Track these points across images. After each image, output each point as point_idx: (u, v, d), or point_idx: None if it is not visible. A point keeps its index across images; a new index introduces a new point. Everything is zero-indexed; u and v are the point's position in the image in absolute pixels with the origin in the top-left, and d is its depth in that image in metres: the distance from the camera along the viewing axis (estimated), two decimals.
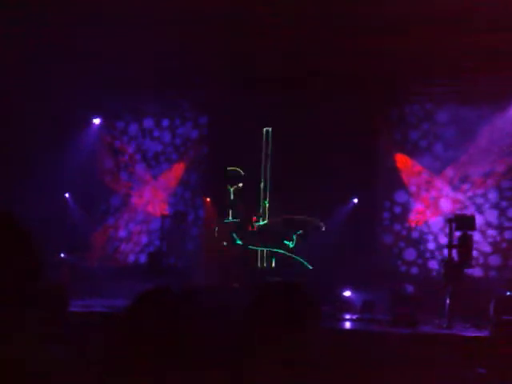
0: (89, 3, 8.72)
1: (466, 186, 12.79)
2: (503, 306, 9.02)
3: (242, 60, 10.75)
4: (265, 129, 13.24)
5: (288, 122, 12.48)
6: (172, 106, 14.36)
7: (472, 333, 9.11)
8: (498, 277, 12.17)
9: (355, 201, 12.92)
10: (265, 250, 12.95)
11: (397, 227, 13.22)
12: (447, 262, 10.25)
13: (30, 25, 9.56)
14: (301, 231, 12.53)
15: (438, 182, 13.00)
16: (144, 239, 14.72)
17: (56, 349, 1.87)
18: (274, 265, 12.94)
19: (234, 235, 12.66)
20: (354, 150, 12.09)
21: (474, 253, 11.15)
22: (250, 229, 12.82)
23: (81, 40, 9.91)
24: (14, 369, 1.56)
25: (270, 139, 13.27)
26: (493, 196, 12.64)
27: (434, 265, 12.73)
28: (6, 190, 12.18)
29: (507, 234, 12.51)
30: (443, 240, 12.01)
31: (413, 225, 13.08)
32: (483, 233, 12.44)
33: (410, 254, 13.04)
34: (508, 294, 9.53)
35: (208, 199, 13.82)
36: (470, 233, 10.29)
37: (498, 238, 12.53)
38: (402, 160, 13.22)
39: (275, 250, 12.73)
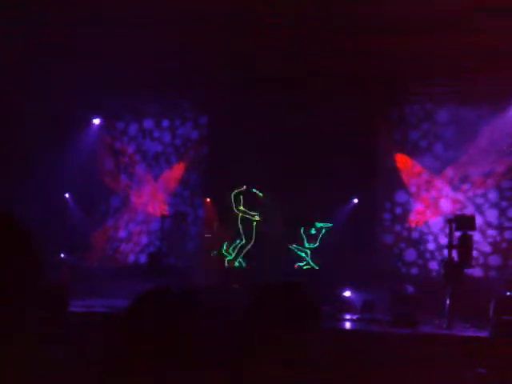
0: (89, 3, 8.72)
1: (465, 186, 12.79)
2: (503, 306, 9.01)
3: (242, 60, 10.75)
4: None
5: (288, 122, 12.49)
6: (172, 106, 14.36)
7: (472, 333, 9.11)
8: (498, 277, 12.17)
9: (355, 201, 12.92)
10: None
11: (397, 227, 13.22)
12: (447, 262, 10.25)
13: (30, 25, 9.56)
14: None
15: (438, 182, 13.00)
16: (144, 239, 14.72)
17: (56, 349, 1.87)
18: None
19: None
20: (353, 150, 12.10)
21: (474, 253, 11.15)
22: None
23: (81, 40, 9.91)
24: (14, 369, 1.56)
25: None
26: (493, 196, 12.64)
27: (434, 265, 12.73)
28: (6, 189, 12.18)
29: (507, 234, 12.51)
30: (443, 240, 12.01)
31: (413, 225, 13.08)
32: (483, 233, 12.44)
33: (411, 254, 13.04)
34: (508, 294, 9.53)
35: (208, 199, 13.83)
36: (469, 233, 10.29)
37: (498, 238, 12.54)
38: (401, 160, 13.22)
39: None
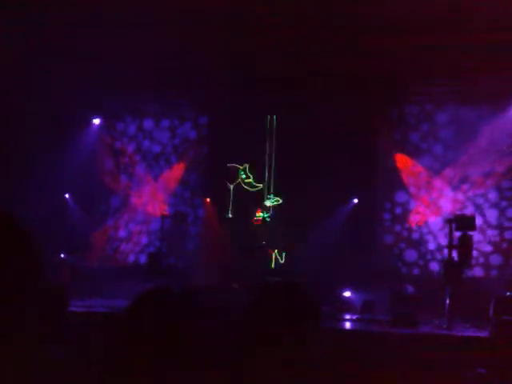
0: (89, 3, 8.72)
1: (465, 186, 12.79)
2: (503, 307, 9.01)
3: (242, 60, 10.75)
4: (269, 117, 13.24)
5: (288, 123, 12.48)
6: (172, 106, 14.36)
7: (472, 333, 9.11)
8: (498, 276, 12.17)
9: (355, 201, 12.92)
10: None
11: (397, 228, 13.22)
12: (447, 262, 10.25)
13: (30, 25, 9.56)
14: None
15: (438, 183, 13.00)
16: (144, 239, 14.72)
17: (56, 349, 1.87)
18: (273, 265, 12.96)
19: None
20: (354, 150, 12.10)
21: (475, 253, 11.16)
22: (253, 222, 12.90)
23: (81, 40, 9.91)
24: (14, 369, 1.56)
25: (274, 129, 13.27)
26: (493, 196, 12.65)
27: (434, 266, 12.73)
28: (6, 189, 12.18)
29: (507, 234, 12.51)
30: (443, 240, 12.00)
31: (413, 225, 13.08)
32: (483, 233, 12.45)
33: (411, 255, 13.04)
34: (508, 294, 9.52)
35: (208, 199, 13.83)
36: (470, 233, 10.29)
37: (498, 238, 12.54)
38: (401, 160, 13.23)
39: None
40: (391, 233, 13.22)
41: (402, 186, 13.21)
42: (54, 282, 3.23)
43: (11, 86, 12.01)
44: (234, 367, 1.89)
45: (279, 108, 12.49)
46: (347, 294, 11.78)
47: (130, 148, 15.07)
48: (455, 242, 10.23)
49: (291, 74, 11.16)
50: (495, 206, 12.63)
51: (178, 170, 14.63)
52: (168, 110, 14.57)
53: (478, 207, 12.64)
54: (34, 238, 1.63)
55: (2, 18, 9.33)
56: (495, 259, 12.49)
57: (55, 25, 9.56)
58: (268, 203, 13.11)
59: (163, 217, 13.66)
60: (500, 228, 12.57)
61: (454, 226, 10.36)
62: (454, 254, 10.16)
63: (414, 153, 13.20)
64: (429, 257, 12.90)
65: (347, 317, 11.04)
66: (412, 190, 13.20)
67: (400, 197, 13.25)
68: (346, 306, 11.57)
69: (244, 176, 13.19)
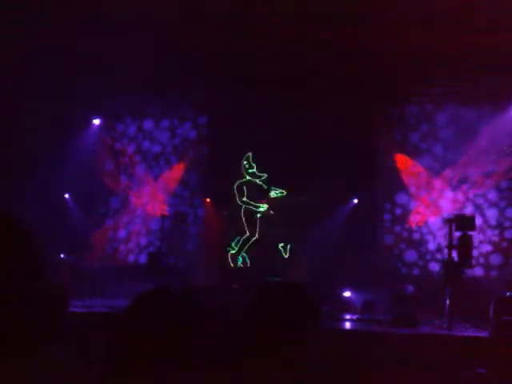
0: (89, 3, 8.73)
1: (465, 187, 12.79)
2: (503, 307, 9.01)
3: (242, 60, 10.75)
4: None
5: (288, 122, 12.49)
6: (172, 106, 14.36)
7: (472, 333, 9.11)
8: (498, 276, 12.17)
9: (355, 201, 12.92)
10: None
11: (397, 228, 13.22)
12: (447, 263, 10.25)
13: (30, 25, 9.56)
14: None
15: (438, 183, 13.00)
16: (144, 239, 14.72)
17: (56, 349, 1.87)
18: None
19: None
20: (354, 150, 12.10)
21: (475, 253, 11.15)
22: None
23: (81, 40, 9.91)
24: (14, 369, 1.56)
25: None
26: (492, 196, 12.65)
27: (434, 266, 12.73)
28: (6, 189, 12.18)
29: (507, 234, 12.51)
30: (443, 241, 12.00)
31: (413, 226, 13.08)
32: (483, 232, 12.45)
33: (411, 255, 13.04)
34: (508, 294, 9.53)
35: (208, 199, 13.83)
36: (469, 233, 10.29)
37: (498, 238, 12.54)
38: (401, 160, 13.22)
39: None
40: (391, 233, 13.22)
41: (402, 186, 13.21)
42: (54, 282, 3.22)
43: (11, 86, 12.01)
44: (233, 367, 1.89)
45: (279, 108, 12.49)
46: (347, 293, 11.78)
47: (130, 148, 15.07)
48: (455, 242, 10.24)
49: (291, 74, 11.16)
50: (495, 205, 12.63)
51: (177, 170, 14.63)
52: (168, 110, 14.57)
53: (477, 207, 12.64)
54: (34, 238, 1.63)
55: (2, 18, 9.33)
56: (495, 259, 12.49)
57: (55, 25, 9.56)
58: (273, 194, 13.10)
59: (163, 217, 13.67)
60: (500, 228, 12.57)
61: (453, 226, 10.36)
62: (454, 254, 10.16)
63: (414, 153, 13.20)
64: (429, 257, 12.90)
65: (347, 317, 11.04)
66: (412, 190, 13.19)
67: (400, 197, 13.25)
68: (346, 305, 11.57)
69: (248, 165, 13.16)
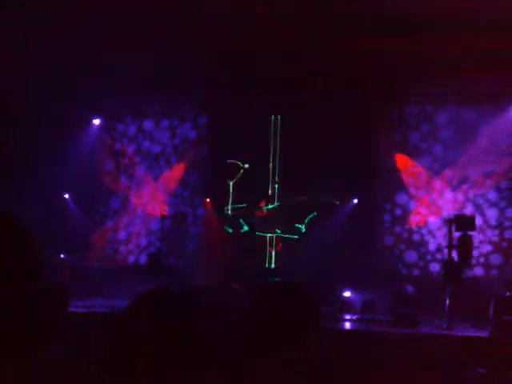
0: (89, 3, 8.72)
1: (465, 187, 12.79)
2: (503, 307, 9.01)
3: (242, 60, 10.75)
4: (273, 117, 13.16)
5: (288, 123, 12.48)
6: (172, 106, 14.36)
7: (472, 333, 9.11)
8: (498, 276, 12.17)
9: (355, 201, 12.92)
10: (274, 235, 12.92)
11: (397, 229, 13.21)
12: (447, 263, 10.25)
13: (30, 25, 9.56)
14: (315, 213, 12.54)
15: (438, 183, 13.00)
16: (144, 240, 14.72)
17: (56, 349, 1.87)
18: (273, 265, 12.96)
19: (241, 221, 12.68)
20: (354, 150, 12.09)
21: (475, 253, 11.15)
22: (258, 214, 12.85)
23: (81, 40, 9.91)
24: (14, 369, 1.56)
25: (278, 129, 13.20)
26: (492, 196, 12.65)
27: (434, 266, 12.73)
28: (6, 190, 12.18)
29: (507, 234, 12.51)
30: (443, 241, 12.00)
31: (413, 226, 13.08)
32: (483, 232, 12.45)
33: (411, 256, 13.03)
34: (508, 294, 9.53)
35: (208, 199, 13.83)
36: (469, 233, 10.29)
37: (498, 238, 12.54)
38: (401, 160, 13.22)
39: (285, 235, 12.75)
40: (391, 234, 13.22)
41: (401, 186, 13.21)
42: (54, 282, 3.22)
43: (11, 86, 12.00)
44: (234, 367, 1.89)
45: (279, 108, 12.49)
46: (347, 294, 11.77)
47: (130, 149, 15.06)
48: (455, 242, 10.24)
49: (291, 73, 11.15)
50: (495, 205, 12.63)
51: (177, 170, 14.63)
52: (168, 110, 14.57)
53: (477, 207, 12.64)
54: (34, 238, 1.63)
55: (2, 18, 9.33)
56: (495, 259, 12.49)
57: (55, 25, 9.56)
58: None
59: (163, 217, 13.67)
60: (500, 228, 12.57)
61: (453, 226, 10.37)
62: (454, 254, 10.16)
63: (414, 153, 13.20)
64: (429, 257, 12.90)
65: (347, 317, 11.03)
66: (412, 190, 13.19)
67: (400, 198, 13.24)
68: (346, 306, 11.57)
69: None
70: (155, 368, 1.78)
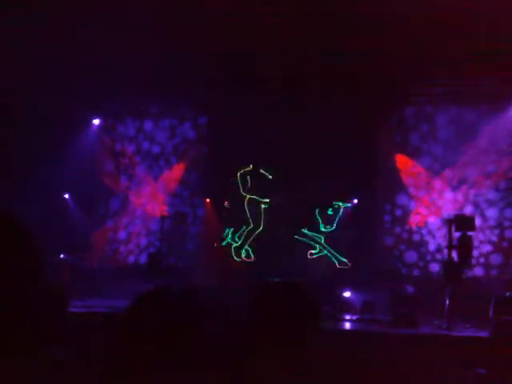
0: (89, 3, 8.72)
1: (465, 187, 12.79)
2: (503, 307, 9.01)
3: (242, 60, 10.75)
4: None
5: (288, 122, 12.48)
6: (172, 106, 14.36)
7: (472, 333, 9.11)
8: (498, 276, 12.18)
9: (355, 201, 12.92)
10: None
11: (397, 229, 13.21)
12: (447, 263, 10.25)
13: (30, 25, 9.55)
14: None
15: (438, 183, 13.00)
16: (144, 240, 14.72)
17: (56, 349, 1.87)
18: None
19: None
20: (354, 150, 12.10)
21: (475, 253, 11.15)
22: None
23: (81, 40, 9.91)
24: (14, 369, 1.56)
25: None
26: (492, 196, 12.65)
27: (434, 267, 12.73)
28: (6, 190, 12.18)
29: (507, 234, 12.52)
30: (443, 241, 12.00)
31: (413, 226, 13.08)
32: (483, 232, 12.45)
33: (411, 256, 13.03)
34: (508, 294, 9.53)
35: (208, 199, 13.83)
36: (469, 233, 10.29)
37: (498, 238, 12.54)
38: (401, 160, 13.22)
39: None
40: (391, 234, 13.21)
41: (401, 186, 13.21)
42: (54, 282, 3.22)
43: (11, 86, 12.00)
44: (233, 367, 1.89)
45: (279, 108, 12.49)
46: (347, 294, 11.77)
47: (130, 149, 15.06)
48: (455, 243, 10.24)
49: (291, 74, 11.15)
50: (494, 205, 12.63)
51: (177, 171, 14.63)
52: (168, 110, 14.57)
53: (477, 207, 12.64)
54: (34, 238, 1.63)
55: (2, 18, 9.33)
56: (495, 259, 12.49)
57: (55, 25, 9.56)
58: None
59: (163, 217, 13.67)
60: (500, 228, 12.57)
61: (453, 226, 10.36)
62: (454, 255, 10.16)
63: (414, 153, 13.20)
64: (429, 258, 12.90)
65: (347, 317, 11.03)
66: (412, 190, 13.19)
67: (400, 198, 13.24)
68: (346, 306, 11.57)
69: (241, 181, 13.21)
70: (155, 368, 1.78)
